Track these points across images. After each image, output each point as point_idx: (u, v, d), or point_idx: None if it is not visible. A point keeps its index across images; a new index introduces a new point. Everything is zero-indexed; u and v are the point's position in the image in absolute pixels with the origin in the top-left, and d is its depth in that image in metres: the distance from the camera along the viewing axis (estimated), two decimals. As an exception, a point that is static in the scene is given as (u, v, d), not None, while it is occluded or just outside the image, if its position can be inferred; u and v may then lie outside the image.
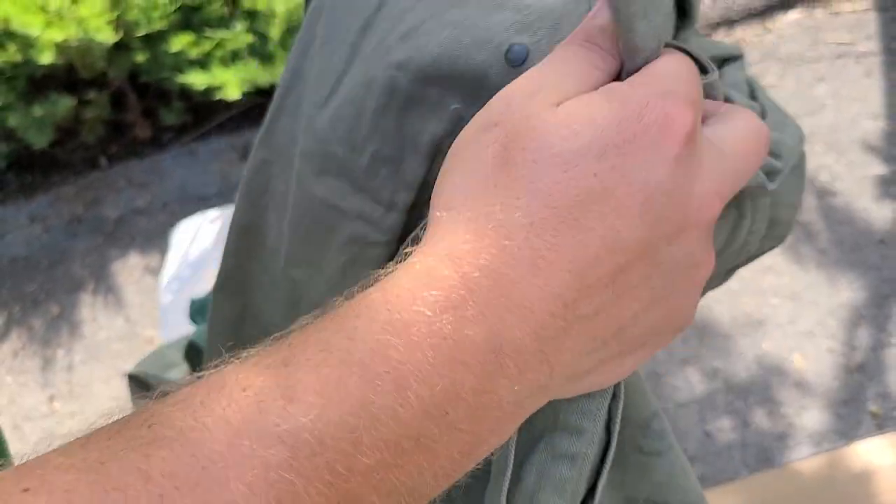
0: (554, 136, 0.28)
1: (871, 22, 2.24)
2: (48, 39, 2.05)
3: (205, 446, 0.22)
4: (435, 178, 0.34)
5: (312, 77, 0.42)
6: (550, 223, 0.27)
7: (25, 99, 2.25)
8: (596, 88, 0.30)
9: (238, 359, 0.26)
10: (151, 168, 2.36)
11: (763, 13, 2.36)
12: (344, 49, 0.40)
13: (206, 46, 2.22)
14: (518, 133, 0.28)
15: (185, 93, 2.33)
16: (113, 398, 1.86)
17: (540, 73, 0.30)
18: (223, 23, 2.30)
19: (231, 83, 2.14)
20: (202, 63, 2.22)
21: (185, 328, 1.37)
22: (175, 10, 2.22)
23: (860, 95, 2.06)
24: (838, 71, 2.13)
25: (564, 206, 0.27)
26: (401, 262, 0.28)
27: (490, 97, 0.32)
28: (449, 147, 0.34)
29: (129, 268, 2.12)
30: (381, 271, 0.28)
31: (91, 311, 2.04)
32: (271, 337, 0.26)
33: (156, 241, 2.17)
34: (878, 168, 1.91)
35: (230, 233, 0.50)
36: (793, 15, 2.32)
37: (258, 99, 2.41)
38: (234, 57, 2.25)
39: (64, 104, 2.21)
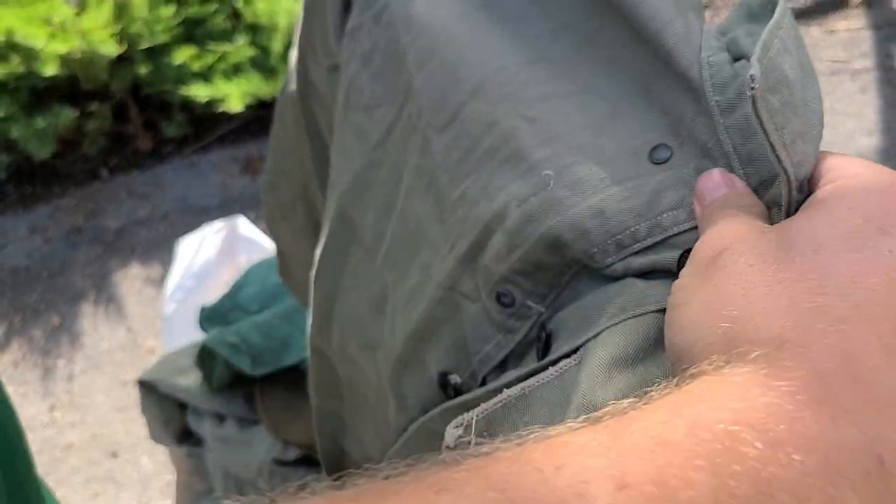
0: (821, 226, 0.27)
1: (866, 40, 2.27)
2: (52, 51, 2.07)
3: None
4: (491, 235, 0.36)
5: (432, 97, 0.43)
6: (877, 307, 0.24)
7: (27, 110, 2.26)
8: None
9: (524, 435, 0.24)
10: (152, 179, 2.37)
11: (759, 30, 2.40)
12: (470, 81, 0.42)
13: (209, 59, 2.24)
14: (778, 235, 0.28)
15: (187, 105, 2.35)
16: (114, 408, 1.86)
17: (714, 233, 0.31)
18: (226, 36, 2.32)
19: (233, 96, 2.16)
20: (204, 76, 2.24)
21: (188, 337, 1.37)
22: (178, 24, 2.24)
23: (855, 112, 2.09)
24: (833, 88, 2.17)
25: (880, 284, 0.25)
26: (710, 365, 0.25)
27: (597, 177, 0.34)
28: (515, 216, 0.36)
29: (129, 278, 2.12)
30: (695, 368, 0.25)
31: (92, 321, 2.04)
32: (577, 419, 0.24)
33: (156, 251, 2.18)
34: (874, 183, 1.93)
35: (335, 215, 0.52)
36: (788, 32, 2.36)
37: (259, 112, 2.42)
38: (236, 70, 2.27)
39: (66, 116, 2.22)
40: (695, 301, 0.29)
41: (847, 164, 0.31)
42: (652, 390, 0.24)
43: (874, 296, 0.24)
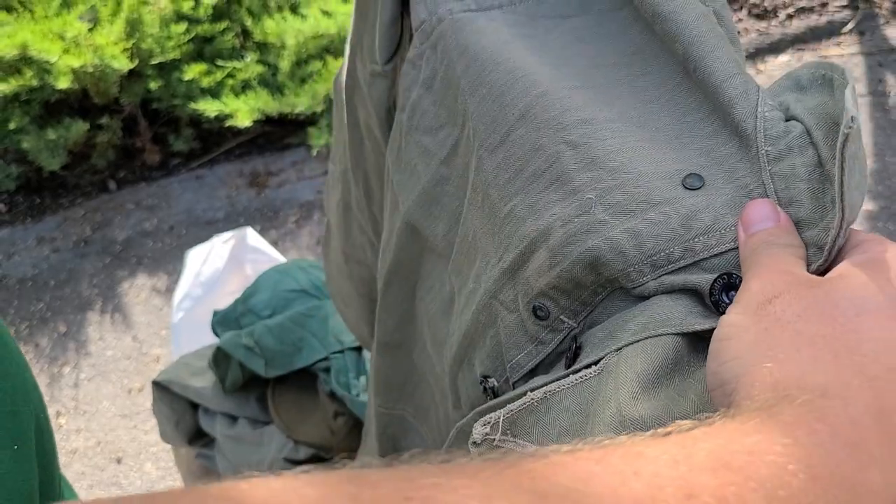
0: (862, 292, 0.31)
1: (858, 65, 2.34)
2: (65, 65, 2.12)
3: None
4: (535, 250, 0.40)
5: (484, 121, 0.47)
6: None
7: (39, 123, 2.30)
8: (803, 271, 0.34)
9: (611, 440, 0.27)
10: (159, 192, 2.41)
11: (755, 55, 2.46)
12: (516, 107, 0.45)
13: (218, 76, 2.29)
14: (825, 292, 0.32)
15: (194, 120, 2.39)
16: (119, 415, 1.89)
17: (764, 276, 0.34)
18: (235, 54, 2.38)
19: (241, 111, 2.20)
20: (213, 92, 2.29)
21: (195, 345, 1.40)
22: (189, 41, 2.30)
23: (847, 135, 2.15)
24: (826, 111, 2.22)
25: None
26: (748, 406, 0.29)
27: (641, 204, 0.38)
28: (559, 234, 0.39)
29: (136, 288, 2.16)
30: (748, 402, 0.29)
31: (98, 329, 2.07)
32: (649, 432, 0.27)
33: (163, 262, 2.21)
34: (866, 204, 1.99)
35: (401, 227, 0.56)
36: (783, 58, 2.42)
37: (266, 127, 2.47)
38: (244, 87, 2.32)
39: (77, 128, 2.27)
40: (743, 338, 0.32)
41: (876, 241, 0.35)
42: (714, 416, 0.28)
43: None
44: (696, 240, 0.38)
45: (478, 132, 0.47)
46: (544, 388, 0.39)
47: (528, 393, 0.39)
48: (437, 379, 0.57)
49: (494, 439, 0.39)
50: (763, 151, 0.39)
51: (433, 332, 0.56)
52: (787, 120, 0.39)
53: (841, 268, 0.34)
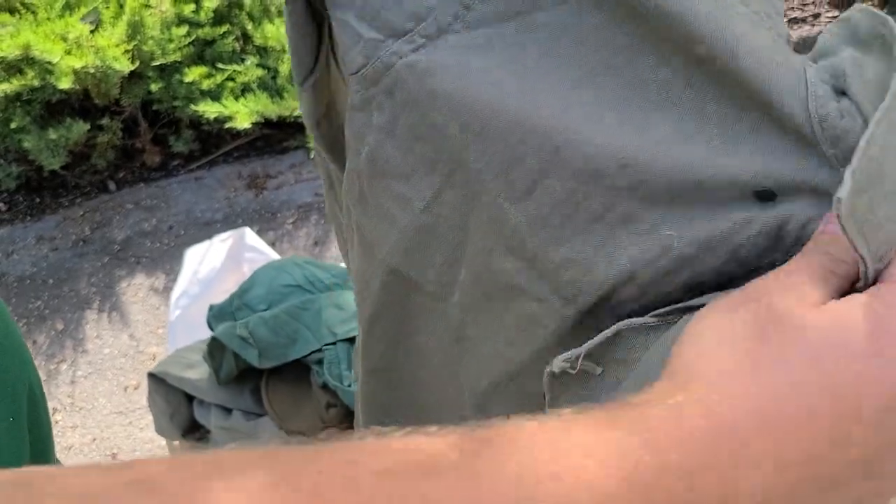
0: (824, 330, 0.30)
1: (850, 76, 2.36)
2: (67, 66, 2.14)
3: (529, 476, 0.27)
4: (619, 289, 0.40)
5: (493, 171, 0.44)
6: (826, 398, 0.29)
7: (40, 123, 2.33)
8: (836, 294, 0.32)
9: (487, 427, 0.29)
10: (158, 193, 2.43)
11: (748, 65, 2.49)
12: (536, 156, 0.42)
13: (218, 78, 2.31)
14: (785, 317, 0.31)
15: (194, 122, 2.42)
16: (115, 412, 1.90)
17: (790, 274, 0.33)
18: (235, 57, 2.40)
19: (241, 114, 2.23)
20: (213, 94, 2.32)
21: (192, 342, 1.42)
22: (190, 44, 2.32)
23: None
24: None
25: (805, 398, 0.29)
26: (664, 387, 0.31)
27: (717, 231, 0.38)
28: (647, 274, 0.39)
29: (133, 287, 2.18)
30: (655, 386, 0.31)
31: (95, 327, 2.08)
32: (535, 417, 0.30)
33: (161, 262, 2.23)
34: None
35: (383, 274, 0.54)
36: (776, 67, 2.45)
37: (265, 130, 2.50)
38: (244, 90, 2.34)
39: (78, 129, 2.29)
40: (699, 327, 0.33)
41: (884, 295, 0.32)
42: (592, 406, 0.30)
43: (795, 396, 0.29)
44: (790, 252, 0.37)
45: (487, 183, 0.44)
46: (617, 324, 0.40)
47: (613, 325, 0.40)
48: (450, 406, 0.57)
49: (576, 368, 0.41)
50: (830, 154, 0.37)
51: (436, 363, 0.56)
52: (840, 93, 0.37)
53: (841, 302, 0.33)
